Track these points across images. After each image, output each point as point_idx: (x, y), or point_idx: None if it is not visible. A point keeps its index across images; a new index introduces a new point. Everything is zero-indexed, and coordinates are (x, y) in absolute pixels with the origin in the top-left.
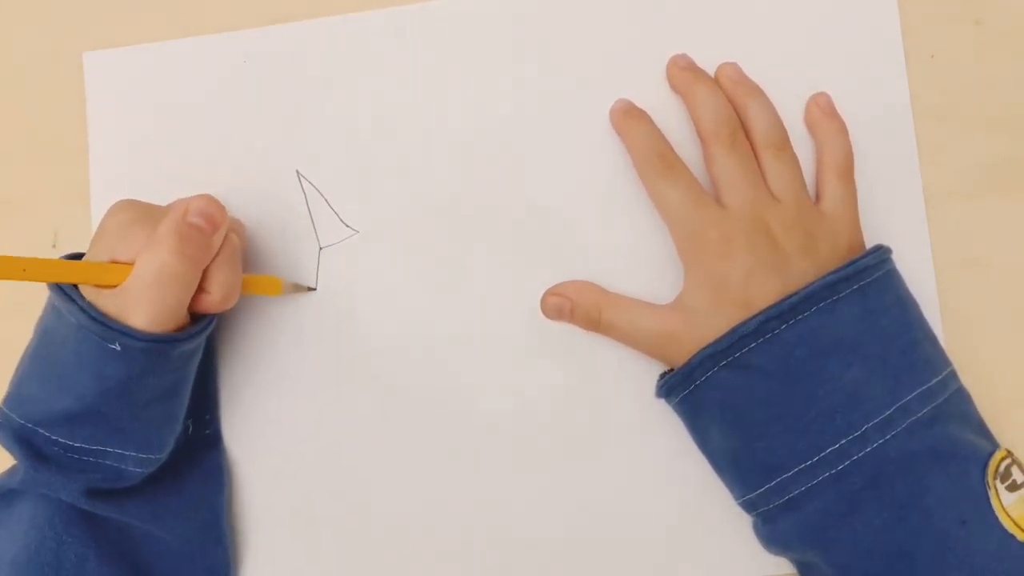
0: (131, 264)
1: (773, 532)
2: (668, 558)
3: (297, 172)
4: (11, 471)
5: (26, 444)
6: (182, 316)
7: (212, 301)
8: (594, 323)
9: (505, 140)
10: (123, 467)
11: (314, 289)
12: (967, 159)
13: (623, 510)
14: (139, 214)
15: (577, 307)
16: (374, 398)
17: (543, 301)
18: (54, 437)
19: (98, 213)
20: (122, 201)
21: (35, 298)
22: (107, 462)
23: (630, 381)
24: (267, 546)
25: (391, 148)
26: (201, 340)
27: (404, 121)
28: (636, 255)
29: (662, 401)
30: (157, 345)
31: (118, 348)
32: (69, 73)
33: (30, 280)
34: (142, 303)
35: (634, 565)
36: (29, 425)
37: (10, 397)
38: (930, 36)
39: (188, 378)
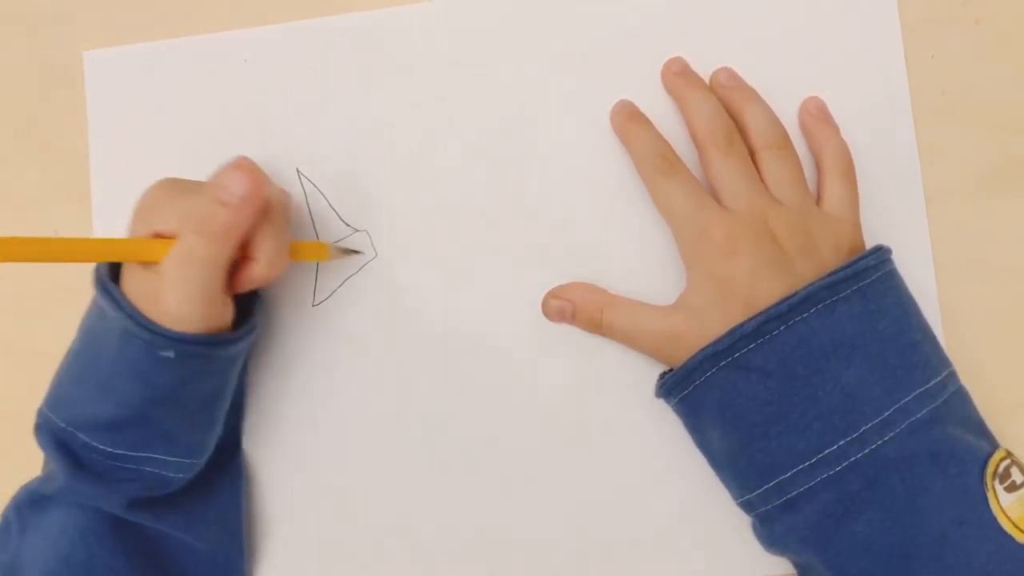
0: (172, 239)
1: (771, 533)
2: (668, 558)
3: (297, 171)
4: (46, 477)
5: (65, 449)
6: (218, 298)
7: (257, 269)
8: (596, 325)
9: (506, 140)
10: (165, 473)
11: (361, 253)
12: (967, 159)
13: (623, 509)
14: (176, 188)
15: (579, 309)
16: (373, 397)
17: (544, 303)
18: (94, 443)
19: (98, 213)
20: (163, 179)
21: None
22: (148, 469)
23: (630, 381)
24: (279, 552)
25: (391, 147)
26: (248, 344)
27: (405, 120)
28: (638, 256)
29: (662, 401)
30: (207, 348)
31: (172, 356)
32: (69, 73)
33: (63, 261)
34: (175, 285)
35: (634, 565)
36: (69, 429)
37: (50, 397)
38: (930, 36)
39: (233, 381)
